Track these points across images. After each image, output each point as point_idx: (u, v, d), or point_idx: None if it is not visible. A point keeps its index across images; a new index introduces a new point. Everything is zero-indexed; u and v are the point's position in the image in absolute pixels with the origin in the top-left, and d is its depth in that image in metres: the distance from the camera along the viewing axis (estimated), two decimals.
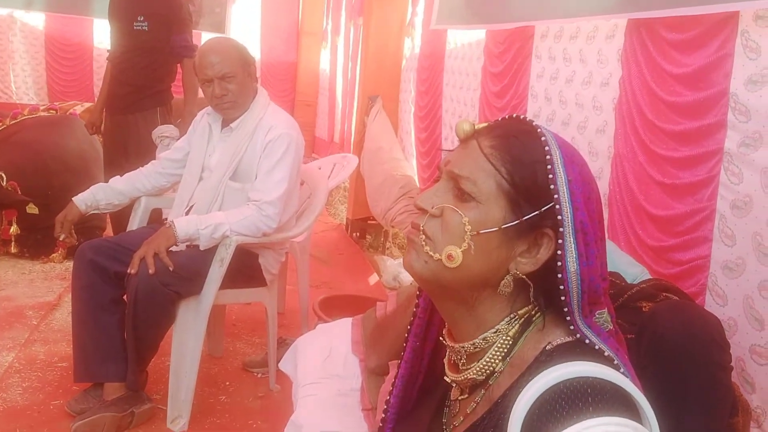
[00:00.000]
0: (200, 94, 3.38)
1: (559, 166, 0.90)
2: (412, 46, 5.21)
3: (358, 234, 5.74)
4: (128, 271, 2.53)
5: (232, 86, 2.77)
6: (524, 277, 0.92)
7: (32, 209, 4.29)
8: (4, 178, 4.27)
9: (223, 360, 3.32)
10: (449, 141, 4.32)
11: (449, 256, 0.91)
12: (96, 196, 2.94)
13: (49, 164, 4.51)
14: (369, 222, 5.64)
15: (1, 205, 4.28)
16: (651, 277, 1.92)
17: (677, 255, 2.19)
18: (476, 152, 0.94)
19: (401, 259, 4.99)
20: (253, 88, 2.87)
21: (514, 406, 0.83)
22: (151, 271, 2.49)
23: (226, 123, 2.89)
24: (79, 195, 2.93)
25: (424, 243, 0.94)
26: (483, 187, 0.92)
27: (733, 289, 1.96)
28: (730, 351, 1.56)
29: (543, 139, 0.92)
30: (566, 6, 2.87)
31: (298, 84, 8.64)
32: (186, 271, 2.62)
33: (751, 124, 1.92)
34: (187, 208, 2.85)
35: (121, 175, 3.06)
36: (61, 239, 2.93)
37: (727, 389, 1.54)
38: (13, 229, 4.36)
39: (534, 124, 0.95)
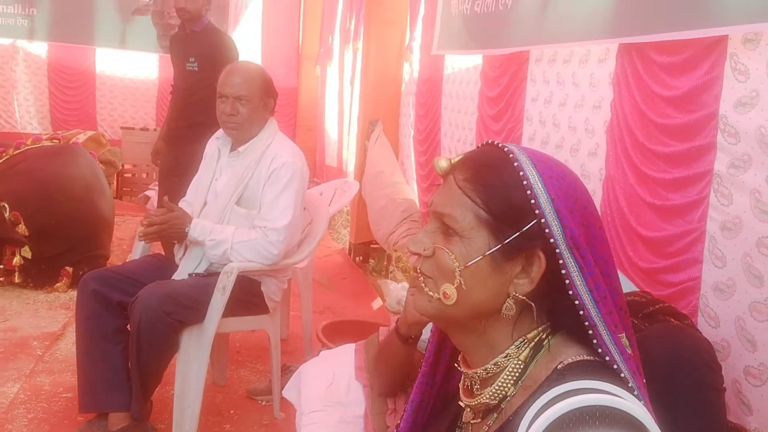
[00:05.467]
0: None
1: (539, 186, 0.93)
2: (410, 70, 5.25)
3: (361, 258, 5.75)
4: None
5: (243, 109, 2.82)
6: (524, 298, 0.95)
7: (26, 252, 4.33)
8: (7, 209, 4.28)
9: (227, 388, 3.32)
10: None
11: (444, 295, 0.95)
12: None
13: (53, 194, 4.51)
14: (372, 246, 5.65)
15: (1, 240, 4.31)
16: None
17: (668, 276, 2.20)
18: (453, 187, 0.97)
19: (404, 282, 5.00)
20: (263, 119, 2.91)
21: (522, 423, 0.85)
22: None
23: (234, 147, 2.93)
24: None
25: (424, 284, 0.98)
26: (464, 222, 0.95)
27: (724, 310, 1.97)
28: (722, 373, 1.57)
29: (516, 164, 0.95)
30: (560, 32, 2.90)
31: (299, 109, 8.69)
32: (188, 300, 2.64)
33: (741, 145, 1.95)
34: None
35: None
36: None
37: (721, 409, 1.56)
38: (17, 259, 4.37)
39: (506, 149, 0.97)
